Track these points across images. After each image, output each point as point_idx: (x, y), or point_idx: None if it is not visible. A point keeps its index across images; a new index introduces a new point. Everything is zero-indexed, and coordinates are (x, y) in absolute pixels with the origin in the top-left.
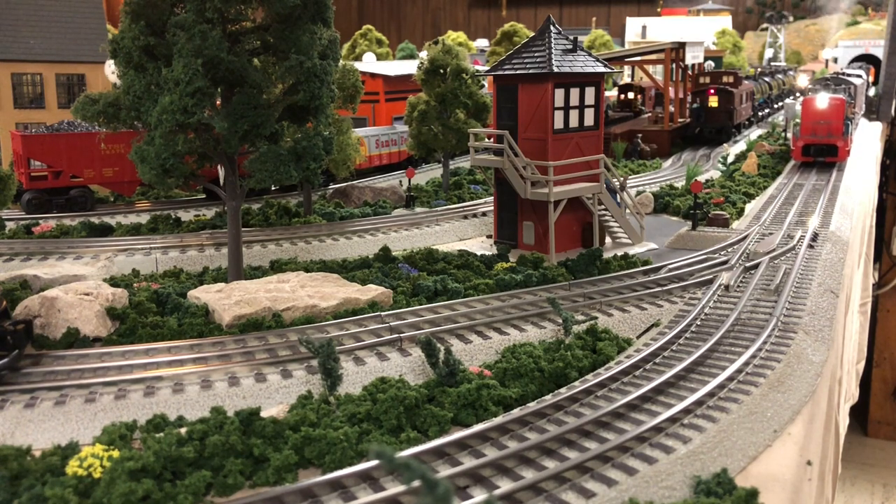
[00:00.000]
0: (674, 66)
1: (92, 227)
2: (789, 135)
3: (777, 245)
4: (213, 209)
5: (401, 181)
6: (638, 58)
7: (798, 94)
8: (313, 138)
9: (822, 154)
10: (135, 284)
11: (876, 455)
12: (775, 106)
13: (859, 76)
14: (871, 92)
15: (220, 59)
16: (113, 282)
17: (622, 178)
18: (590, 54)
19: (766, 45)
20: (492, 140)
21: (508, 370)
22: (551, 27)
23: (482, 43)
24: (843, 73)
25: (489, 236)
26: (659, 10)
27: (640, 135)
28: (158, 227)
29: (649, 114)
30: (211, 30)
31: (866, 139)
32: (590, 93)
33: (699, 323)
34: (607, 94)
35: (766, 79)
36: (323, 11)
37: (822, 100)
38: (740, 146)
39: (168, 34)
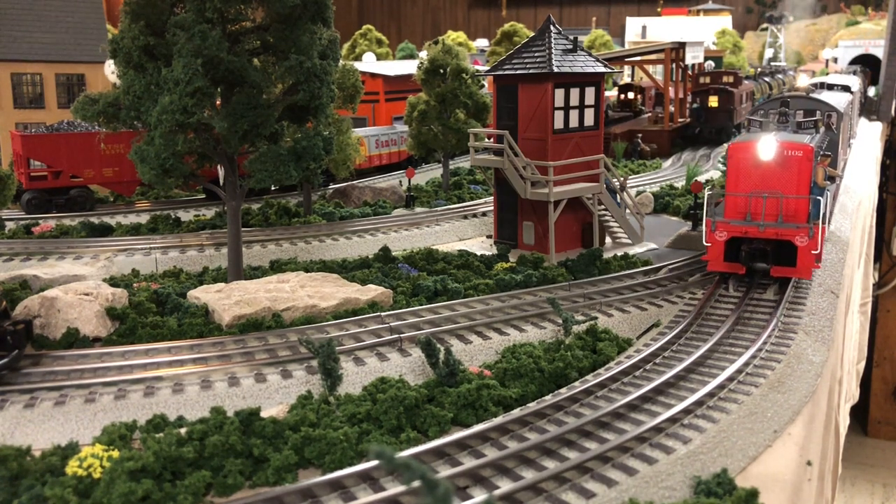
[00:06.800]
0: (674, 66)
1: (92, 227)
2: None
3: None
4: (213, 209)
5: (401, 181)
6: (638, 58)
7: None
8: (313, 138)
9: (764, 258)
10: (135, 284)
11: (876, 455)
12: None
13: (847, 89)
14: (871, 92)
15: (220, 59)
16: (113, 282)
17: (622, 179)
18: (590, 54)
19: (766, 45)
20: (492, 140)
21: (508, 370)
22: (551, 27)
23: (482, 43)
24: (821, 87)
25: (489, 236)
26: (659, 10)
27: (640, 135)
28: (158, 227)
29: (649, 114)
30: (211, 30)
31: (866, 140)
32: (590, 93)
33: (699, 323)
34: (607, 94)
35: (766, 79)
36: (323, 11)
37: (767, 148)
38: None
39: (168, 34)
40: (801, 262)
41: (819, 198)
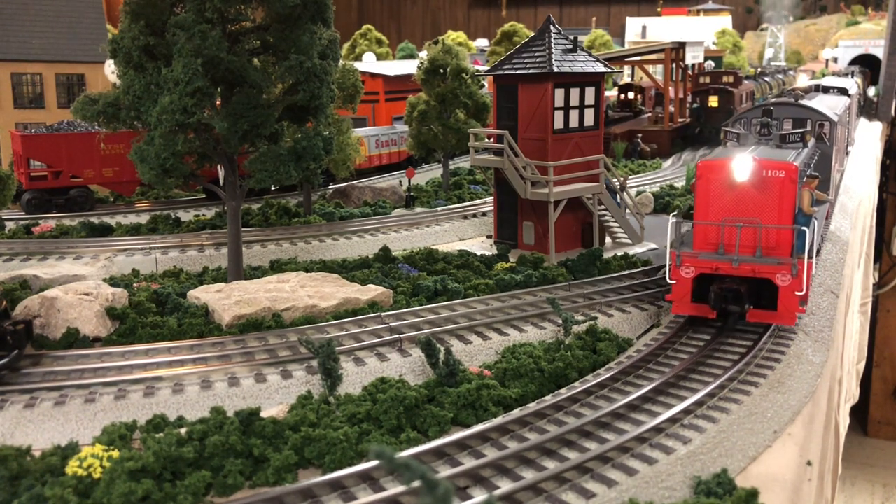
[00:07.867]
0: (674, 66)
1: (92, 227)
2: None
3: None
4: (213, 209)
5: (401, 181)
6: (638, 58)
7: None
8: (313, 138)
9: (738, 300)
10: (135, 284)
11: (876, 455)
12: None
13: (844, 91)
14: (871, 92)
15: (220, 58)
16: (113, 282)
17: (622, 178)
18: (590, 54)
19: (766, 45)
20: (492, 140)
21: (508, 370)
22: (551, 27)
23: (482, 43)
24: (815, 90)
25: (489, 236)
26: (659, 10)
27: (640, 135)
28: (158, 227)
29: (649, 114)
30: (211, 30)
31: (866, 141)
32: (590, 93)
33: (699, 323)
34: (607, 94)
35: (766, 79)
36: (323, 11)
37: (742, 168)
38: None
39: (168, 34)
40: (783, 304)
41: (804, 228)
